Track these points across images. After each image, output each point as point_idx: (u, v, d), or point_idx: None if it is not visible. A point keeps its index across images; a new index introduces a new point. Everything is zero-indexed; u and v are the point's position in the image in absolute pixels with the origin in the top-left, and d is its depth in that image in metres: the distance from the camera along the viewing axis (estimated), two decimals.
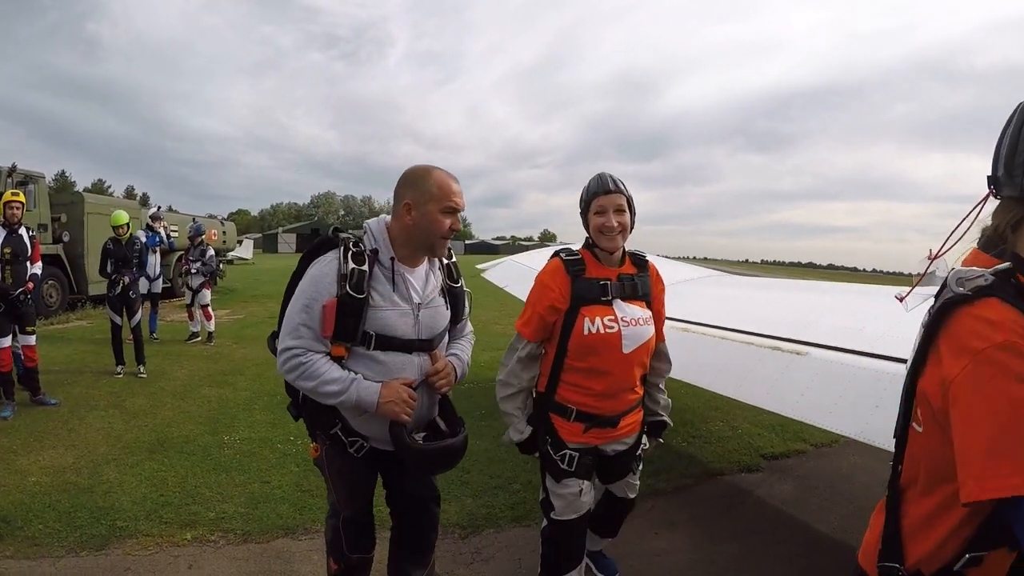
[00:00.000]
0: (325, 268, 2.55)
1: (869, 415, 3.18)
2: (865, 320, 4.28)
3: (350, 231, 2.72)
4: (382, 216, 2.77)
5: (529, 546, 4.30)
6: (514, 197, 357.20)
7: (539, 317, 3.04)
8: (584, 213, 3.07)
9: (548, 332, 3.09)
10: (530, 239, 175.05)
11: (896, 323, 4.16)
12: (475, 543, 4.46)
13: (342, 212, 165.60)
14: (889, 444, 3.01)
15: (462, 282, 2.99)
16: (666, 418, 3.40)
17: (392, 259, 2.64)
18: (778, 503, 5.45)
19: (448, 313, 2.87)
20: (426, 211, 2.57)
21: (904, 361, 3.43)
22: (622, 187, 3.00)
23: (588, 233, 3.08)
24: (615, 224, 2.94)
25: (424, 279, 2.75)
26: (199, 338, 11.85)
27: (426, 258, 2.79)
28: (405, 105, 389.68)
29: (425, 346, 2.71)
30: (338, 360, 2.58)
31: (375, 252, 2.62)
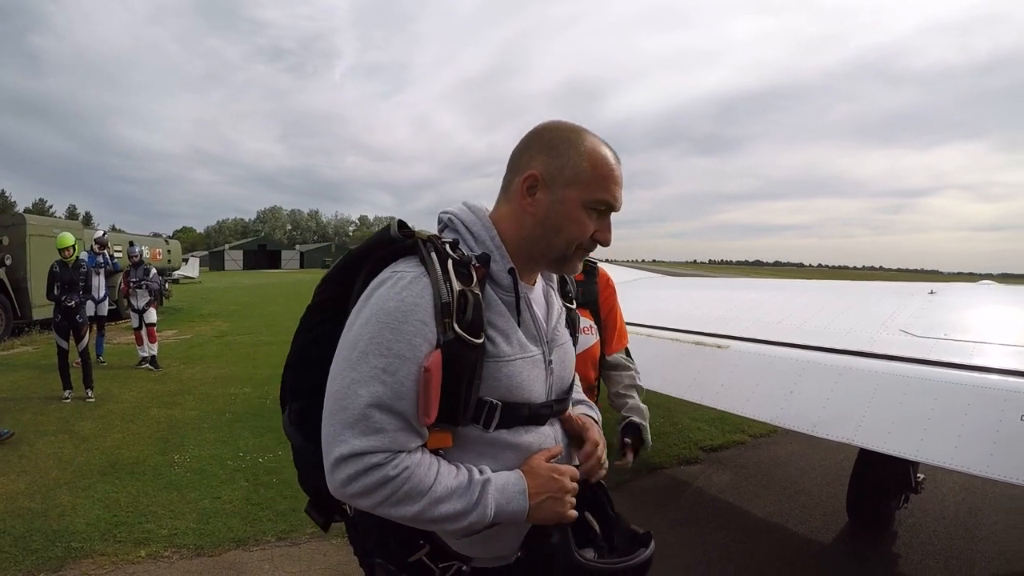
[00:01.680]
0: (408, 293, 1.42)
1: (784, 401, 3.40)
2: (785, 313, 4.52)
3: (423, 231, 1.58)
4: (470, 202, 1.69)
5: None
6: None
7: None
8: None
9: None
10: None
11: (813, 314, 4.41)
12: None
13: (289, 227, 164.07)
14: (801, 427, 3.25)
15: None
16: (637, 420, 2.82)
17: (512, 272, 1.58)
18: (716, 492, 5.69)
19: (573, 353, 1.87)
20: (563, 197, 1.54)
21: (820, 349, 3.68)
22: None
23: None
24: None
25: (544, 303, 1.76)
26: (147, 364, 11.51)
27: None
28: (352, 117, 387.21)
29: (559, 410, 1.71)
30: (436, 455, 1.50)
31: (485, 260, 1.54)
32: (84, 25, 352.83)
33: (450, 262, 1.47)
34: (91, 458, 6.37)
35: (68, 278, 8.91)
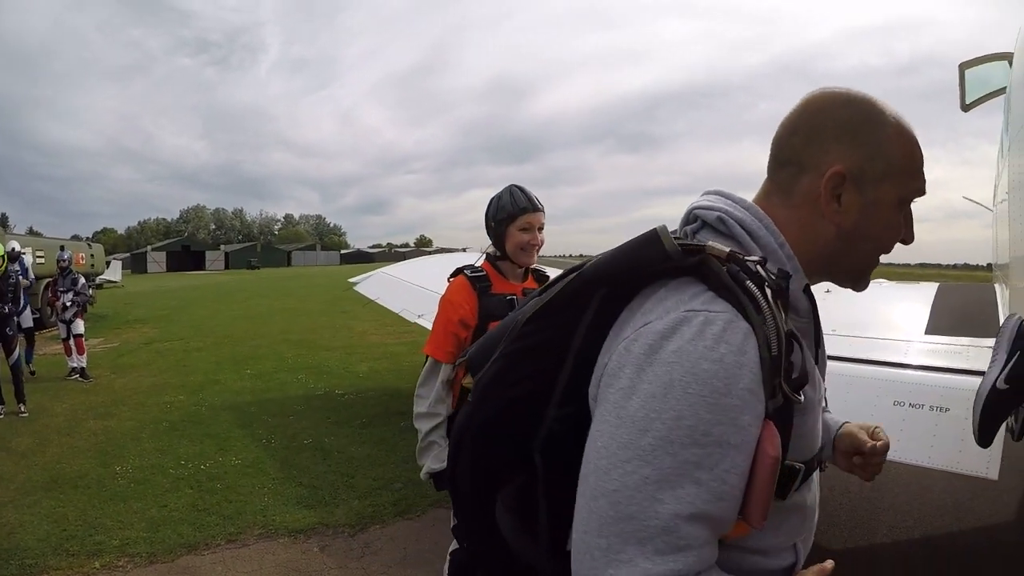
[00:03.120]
0: (727, 349, 0.98)
1: None
2: None
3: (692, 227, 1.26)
4: (731, 193, 1.27)
5: (412, 537, 4.76)
6: (389, 203, 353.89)
7: (452, 335, 2.90)
8: (502, 227, 2.95)
9: (461, 351, 2.90)
10: (406, 245, 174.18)
11: None
12: (364, 539, 4.85)
13: (213, 226, 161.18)
14: None
15: None
16: None
17: (807, 292, 1.24)
18: None
19: None
20: (877, 197, 1.19)
21: None
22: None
23: (500, 247, 3.00)
24: (540, 242, 2.97)
25: None
26: (76, 375, 11.24)
27: None
28: (277, 112, 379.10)
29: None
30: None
31: (786, 280, 1.11)
32: (1, 11, 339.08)
33: (769, 292, 1.03)
34: (32, 474, 6.40)
35: None
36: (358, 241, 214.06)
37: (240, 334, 17.18)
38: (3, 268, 9.02)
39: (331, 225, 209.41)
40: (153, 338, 16.62)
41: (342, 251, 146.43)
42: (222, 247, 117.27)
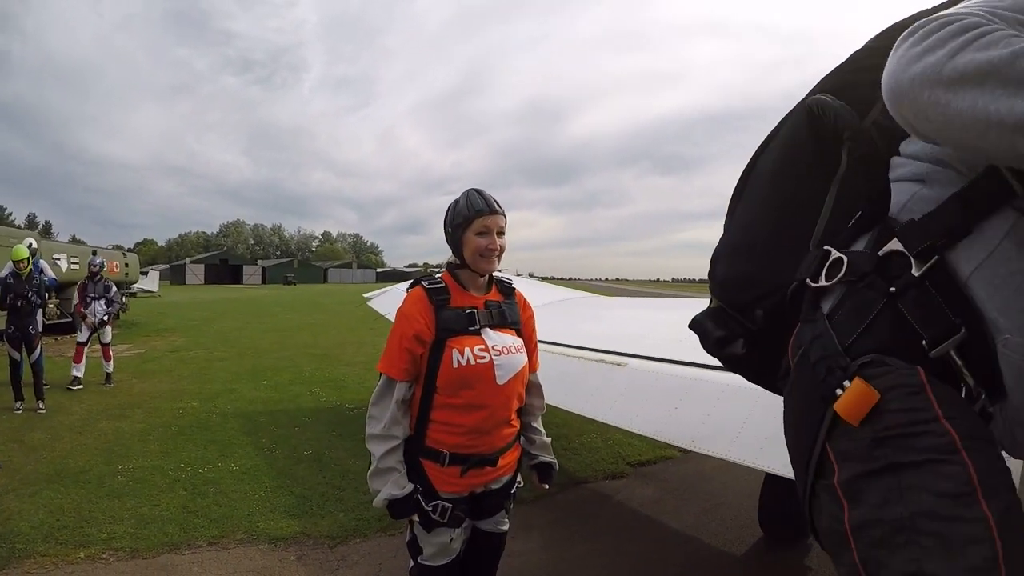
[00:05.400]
0: None
1: (667, 416, 3.58)
2: (682, 330, 4.83)
3: None
4: None
5: (390, 553, 4.77)
6: (426, 224, 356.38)
7: (406, 351, 2.66)
8: (459, 233, 2.76)
9: (417, 368, 2.71)
10: (441, 266, 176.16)
11: None
12: (342, 551, 4.88)
13: (251, 241, 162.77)
14: (681, 442, 3.48)
15: None
16: (548, 459, 3.05)
17: None
18: (636, 505, 5.94)
19: None
20: None
21: (705, 366, 3.90)
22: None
23: (459, 255, 2.81)
24: (499, 246, 2.75)
25: None
26: (80, 386, 10.88)
27: None
28: (318, 131, 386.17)
29: None
30: None
31: None
32: (52, 29, 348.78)
33: None
34: (39, 467, 6.57)
35: (21, 290, 9.10)
36: (395, 260, 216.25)
37: (265, 346, 17.40)
38: (27, 269, 9.30)
39: (368, 244, 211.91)
40: (180, 346, 16.89)
41: (378, 269, 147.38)
42: (260, 262, 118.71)
